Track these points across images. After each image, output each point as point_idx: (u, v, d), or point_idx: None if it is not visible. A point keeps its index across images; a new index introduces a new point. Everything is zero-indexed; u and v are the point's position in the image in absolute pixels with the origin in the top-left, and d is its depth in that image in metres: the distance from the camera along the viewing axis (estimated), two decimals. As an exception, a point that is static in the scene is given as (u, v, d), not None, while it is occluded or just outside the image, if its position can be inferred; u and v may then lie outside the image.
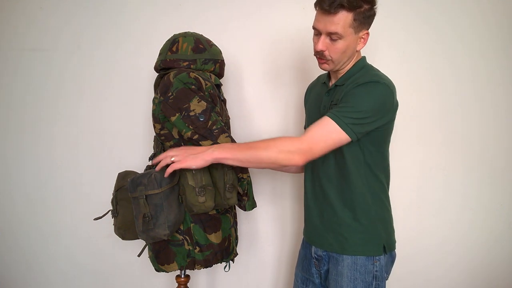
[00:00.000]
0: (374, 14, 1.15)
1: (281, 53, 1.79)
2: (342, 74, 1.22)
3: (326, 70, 1.23)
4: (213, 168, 1.24)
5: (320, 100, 1.28)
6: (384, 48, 1.74)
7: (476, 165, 1.79)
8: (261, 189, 1.83)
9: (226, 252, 1.35)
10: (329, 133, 1.06)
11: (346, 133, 1.06)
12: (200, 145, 1.24)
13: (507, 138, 1.79)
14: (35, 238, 1.88)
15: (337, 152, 1.17)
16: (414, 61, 1.77)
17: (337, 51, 1.13)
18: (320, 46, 1.13)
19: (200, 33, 1.40)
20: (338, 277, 1.19)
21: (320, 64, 1.20)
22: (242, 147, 1.11)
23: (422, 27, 1.76)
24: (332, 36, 1.11)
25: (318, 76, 1.46)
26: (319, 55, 1.17)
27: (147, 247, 1.37)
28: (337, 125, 1.06)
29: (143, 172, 1.27)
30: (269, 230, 1.87)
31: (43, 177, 1.86)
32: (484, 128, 1.78)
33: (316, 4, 1.12)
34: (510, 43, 1.76)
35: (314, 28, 1.15)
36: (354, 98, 1.09)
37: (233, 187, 1.25)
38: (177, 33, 1.38)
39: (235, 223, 1.44)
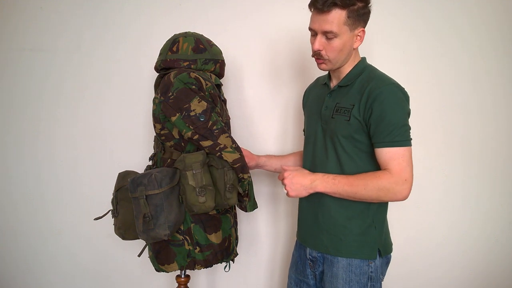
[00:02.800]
0: (369, 12, 1.16)
1: (281, 53, 1.79)
2: (344, 74, 1.22)
3: (324, 70, 1.23)
4: (214, 168, 1.24)
5: (321, 101, 1.28)
6: (384, 48, 1.75)
7: (476, 165, 1.80)
8: (262, 190, 1.83)
9: (226, 252, 1.35)
10: (404, 157, 1.11)
11: (409, 146, 1.12)
12: (200, 145, 1.24)
13: (507, 138, 1.79)
14: (35, 238, 1.88)
15: (341, 154, 1.18)
16: (414, 61, 1.77)
17: (333, 49, 1.14)
18: (316, 46, 1.15)
19: (201, 33, 1.40)
20: (333, 278, 1.19)
21: (318, 64, 1.21)
22: (343, 184, 1.13)
23: (422, 26, 1.76)
24: (328, 35, 1.12)
25: (317, 78, 1.46)
26: (317, 56, 1.18)
27: (147, 247, 1.37)
28: (401, 147, 1.11)
29: (143, 172, 1.27)
30: (270, 231, 1.87)
31: (43, 177, 1.86)
32: (484, 128, 1.78)
33: (310, 5, 1.14)
34: (510, 43, 1.76)
35: (310, 29, 1.17)
36: (389, 116, 1.10)
37: (233, 187, 1.25)
38: (177, 33, 1.38)
39: (235, 223, 1.44)
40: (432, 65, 1.77)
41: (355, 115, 1.14)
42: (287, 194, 1.17)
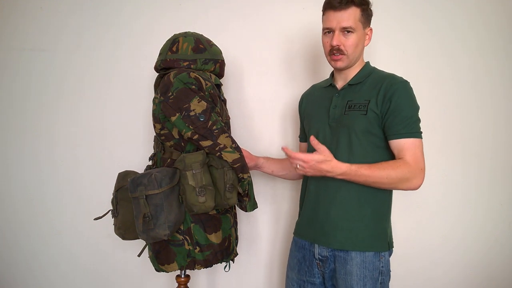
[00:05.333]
0: (372, 14, 1.26)
1: (281, 53, 1.79)
2: (352, 75, 1.29)
3: (340, 67, 1.27)
4: (213, 168, 1.24)
5: (328, 102, 1.31)
6: (384, 48, 1.75)
7: (475, 165, 1.79)
8: (262, 190, 1.83)
9: (226, 252, 1.35)
10: (419, 148, 1.19)
11: (421, 138, 1.21)
12: (200, 145, 1.24)
13: (506, 138, 1.79)
14: (35, 238, 1.88)
15: (356, 149, 1.21)
16: (414, 61, 1.77)
17: (351, 44, 1.22)
18: (335, 41, 1.21)
19: (200, 33, 1.40)
20: (347, 276, 1.20)
21: (335, 61, 1.25)
22: (363, 175, 1.15)
23: (422, 27, 1.76)
24: (347, 29, 1.20)
25: (312, 85, 1.50)
26: (335, 51, 1.23)
27: (147, 247, 1.37)
28: (416, 139, 1.19)
29: (143, 172, 1.27)
30: (270, 231, 1.87)
31: (43, 177, 1.86)
32: (484, 128, 1.78)
33: (325, 6, 1.23)
34: (510, 43, 1.76)
35: (325, 28, 1.24)
36: (406, 109, 1.19)
37: (233, 187, 1.25)
38: (177, 33, 1.38)
39: (235, 223, 1.44)
40: (432, 65, 1.77)
41: (373, 109, 1.20)
42: (299, 170, 1.16)
